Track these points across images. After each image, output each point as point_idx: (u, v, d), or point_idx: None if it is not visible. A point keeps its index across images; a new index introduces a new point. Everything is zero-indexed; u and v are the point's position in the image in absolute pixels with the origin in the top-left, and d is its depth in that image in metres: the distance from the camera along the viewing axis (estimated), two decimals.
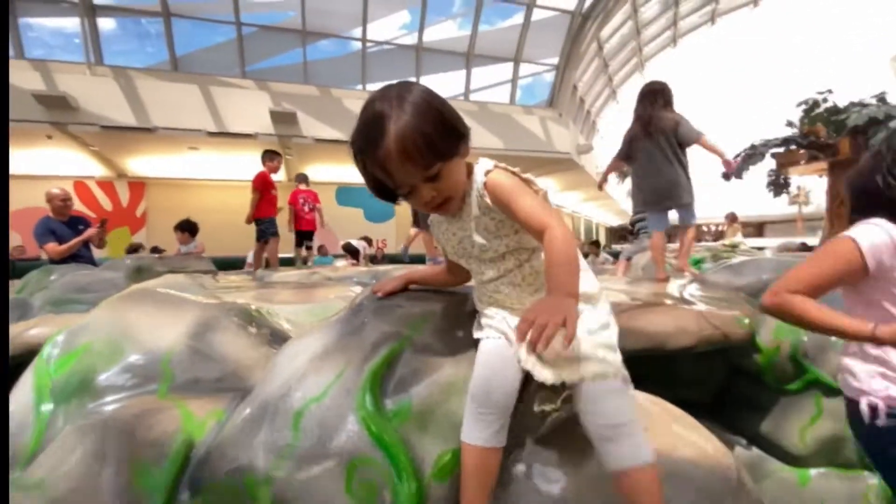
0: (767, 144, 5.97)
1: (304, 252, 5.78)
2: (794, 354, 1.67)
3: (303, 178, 5.98)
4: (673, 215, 2.96)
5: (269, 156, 4.98)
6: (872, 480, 1.63)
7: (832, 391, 1.64)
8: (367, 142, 0.74)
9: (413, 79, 11.55)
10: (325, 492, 0.68)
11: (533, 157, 11.23)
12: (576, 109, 15.48)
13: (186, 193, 11.59)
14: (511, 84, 12.38)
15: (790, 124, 5.92)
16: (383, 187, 0.78)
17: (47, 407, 0.87)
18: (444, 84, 12.16)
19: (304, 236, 5.73)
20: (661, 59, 19.30)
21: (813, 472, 1.68)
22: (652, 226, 2.93)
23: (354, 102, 9.47)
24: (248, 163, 11.06)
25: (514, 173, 0.82)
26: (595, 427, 0.73)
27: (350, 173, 10.55)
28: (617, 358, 0.78)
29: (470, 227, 0.83)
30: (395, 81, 0.78)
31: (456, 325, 0.94)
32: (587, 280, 0.84)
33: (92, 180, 11.15)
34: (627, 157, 2.94)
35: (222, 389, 0.96)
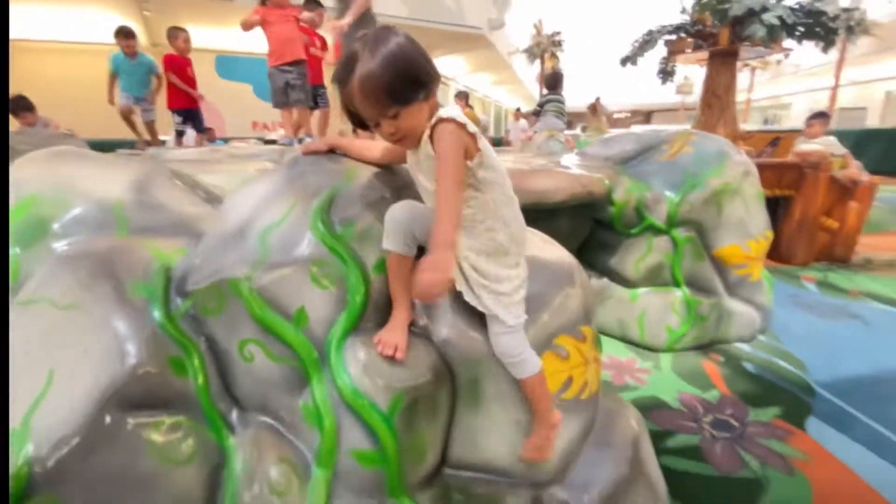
0: (662, 31, 6.12)
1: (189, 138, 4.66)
2: (638, 206, 2.19)
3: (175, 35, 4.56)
4: None
5: (311, 6, 4.06)
6: (678, 294, 2.30)
7: (659, 232, 2.21)
8: (338, 78, 0.89)
9: None
10: (296, 279, 0.92)
11: (442, 30, 10.64)
12: None
13: (16, 60, 9.18)
14: None
15: (684, 11, 6.09)
16: (356, 115, 0.92)
17: (14, 251, 0.95)
18: None
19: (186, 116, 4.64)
20: None
21: (640, 290, 2.32)
22: None
23: None
24: (94, 19, 8.84)
25: (464, 129, 0.86)
26: (497, 354, 1.00)
27: (232, 38, 8.85)
28: (503, 306, 0.94)
29: (416, 164, 0.97)
30: (383, 26, 0.89)
31: (384, 182, 1.12)
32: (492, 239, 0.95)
33: None
34: None
35: (177, 234, 1.10)
